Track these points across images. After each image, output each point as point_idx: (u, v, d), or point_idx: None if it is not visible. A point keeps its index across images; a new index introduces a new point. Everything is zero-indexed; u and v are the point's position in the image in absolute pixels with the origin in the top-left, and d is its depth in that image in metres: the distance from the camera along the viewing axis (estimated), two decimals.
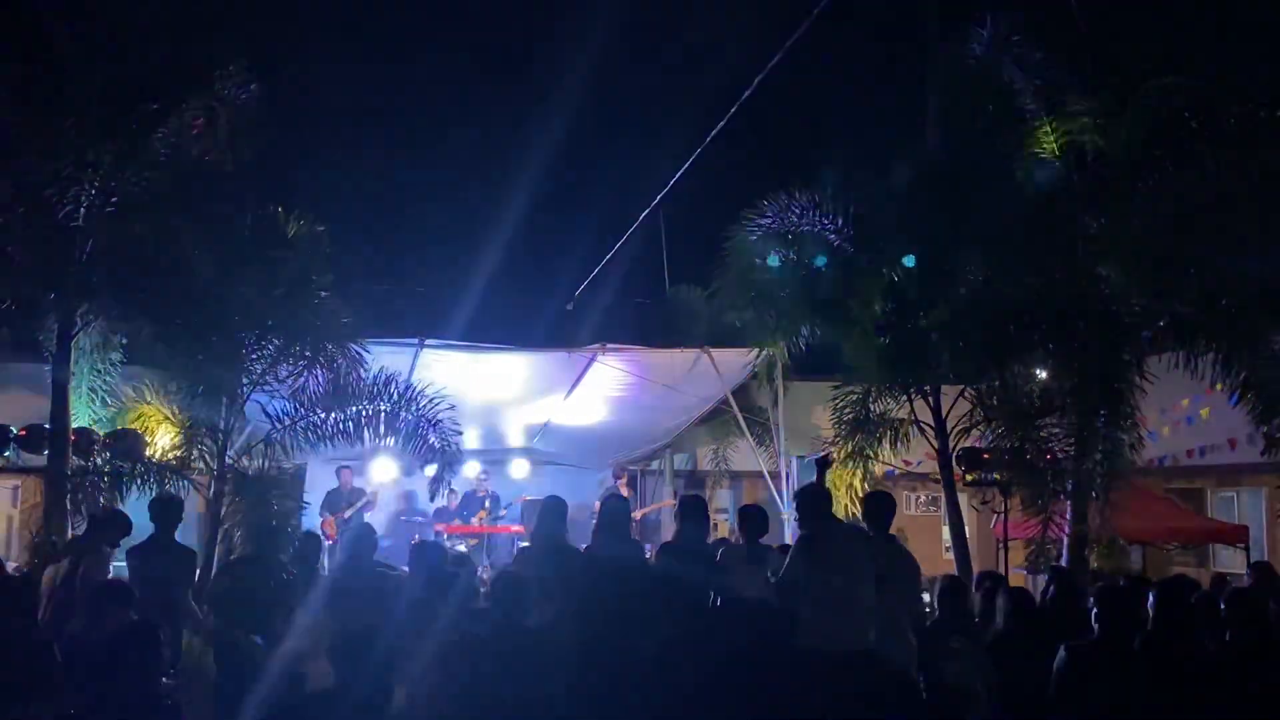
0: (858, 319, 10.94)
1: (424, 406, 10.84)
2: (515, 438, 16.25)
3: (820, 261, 11.00)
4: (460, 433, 11.27)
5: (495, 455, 16.26)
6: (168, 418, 10.72)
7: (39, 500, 10.50)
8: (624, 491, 15.19)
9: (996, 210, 10.08)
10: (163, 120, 10.00)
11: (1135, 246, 9.70)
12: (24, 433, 10.21)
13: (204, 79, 10.14)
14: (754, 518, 7.82)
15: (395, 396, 10.78)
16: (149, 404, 10.94)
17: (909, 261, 10.47)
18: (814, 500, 7.23)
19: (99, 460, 10.20)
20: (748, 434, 14.65)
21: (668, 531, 15.39)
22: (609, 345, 13.27)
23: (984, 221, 10.13)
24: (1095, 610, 6.06)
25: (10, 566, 10.81)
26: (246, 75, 10.25)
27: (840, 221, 11.05)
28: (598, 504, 15.22)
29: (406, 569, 10.43)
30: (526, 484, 16.10)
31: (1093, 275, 10.06)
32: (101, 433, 10.49)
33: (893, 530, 7.40)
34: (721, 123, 12.25)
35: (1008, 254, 10.15)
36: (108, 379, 10.90)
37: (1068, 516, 10.43)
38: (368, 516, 14.37)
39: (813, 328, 11.56)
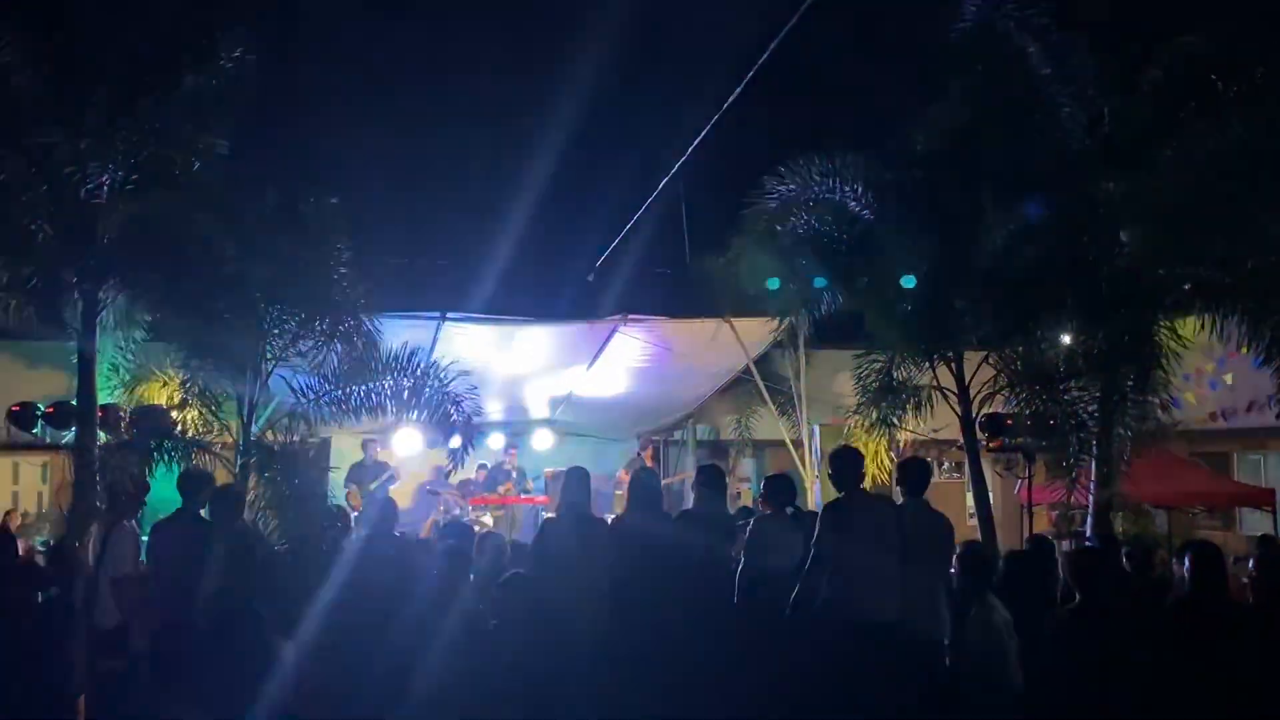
0: (880, 286, 10.87)
1: (446, 380, 10.87)
2: (538, 409, 16.30)
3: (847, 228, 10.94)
4: (481, 407, 11.30)
5: (519, 427, 16.33)
6: (191, 393, 10.74)
7: (67, 476, 10.60)
8: (649, 463, 15.25)
9: (1018, 174, 9.98)
10: (176, 94, 10.02)
11: (1158, 209, 9.60)
12: (51, 410, 10.29)
13: (212, 50, 10.14)
14: (780, 486, 7.82)
15: (417, 370, 10.82)
16: (172, 379, 10.99)
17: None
18: (852, 463, 7.19)
19: (126, 436, 10.29)
20: (770, 403, 14.63)
21: (690, 502, 15.44)
22: (631, 316, 13.25)
23: (1006, 185, 10.04)
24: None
25: (39, 541, 10.98)
26: (248, 45, 10.25)
27: (860, 188, 10.98)
28: (622, 473, 15.31)
29: (429, 539, 10.57)
30: (550, 455, 16.17)
31: (1116, 238, 9.96)
32: (127, 409, 10.57)
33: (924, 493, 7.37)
34: (738, 89, 12.11)
35: (1031, 218, 10.05)
36: (130, 355, 10.97)
37: (1092, 481, 10.39)
38: (392, 489, 14.49)
39: (834, 295, 11.49)
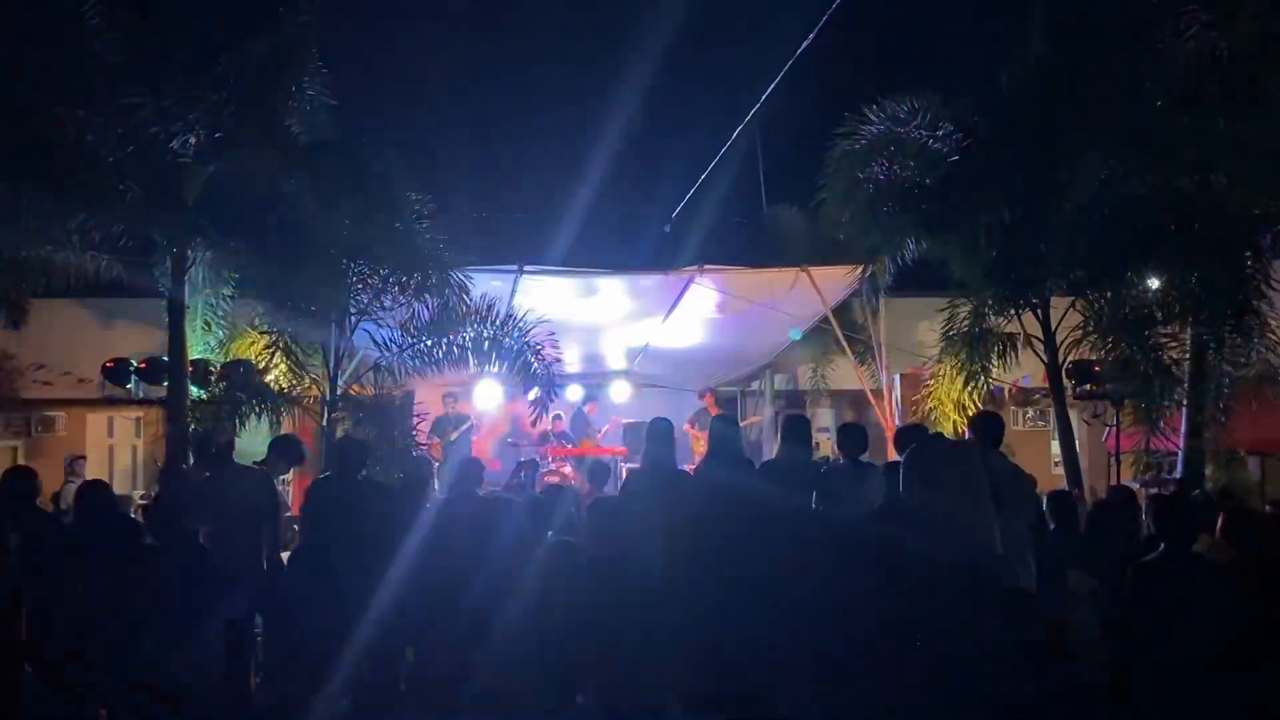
0: (966, 231, 10.67)
1: (525, 332, 10.96)
2: (616, 360, 16.34)
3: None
4: (560, 358, 11.37)
5: (596, 378, 16.40)
6: (277, 347, 10.92)
7: (160, 431, 10.90)
8: (712, 410, 15.23)
9: (1112, 112, 9.68)
10: (249, 52, 10.11)
11: (1257, 147, 9.27)
12: (144, 365, 10.56)
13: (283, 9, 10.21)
14: (853, 436, 7.75)
15: (497, 322, 10.92)
16: (260, 334, 11.20)
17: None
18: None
19: (216, 390, 10.53)
20: (849, 352, 14.50)
21: (769, 451, 15.42)
22: (707, 266, 13.17)
23: (1099, 124, 9.75)
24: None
25: (138, 495, 11.30)
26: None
27: (946, 129, 10.75)
28: (687, 426, 15.32)
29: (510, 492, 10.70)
30: (627, 406, 16.23)
31: (1211, 178, 9.65)
32: (217, 363, 10.81)
33: (1000, 447, 7.27)
34: (813, 33, 11.89)
35: (1124, 158, 9.77)
36: (220, 311, 11.19)
37: (1182, 428, 10.19)
38: (474, 439, 14.67)
39: (918, 242, 11.30)
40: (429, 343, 10.67)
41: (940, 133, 10.80)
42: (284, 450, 7.98)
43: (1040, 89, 10.14)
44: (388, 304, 10.56)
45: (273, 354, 10.64)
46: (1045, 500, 7.49)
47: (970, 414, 10.31)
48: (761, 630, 6.28)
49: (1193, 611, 5.51)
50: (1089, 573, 6.43)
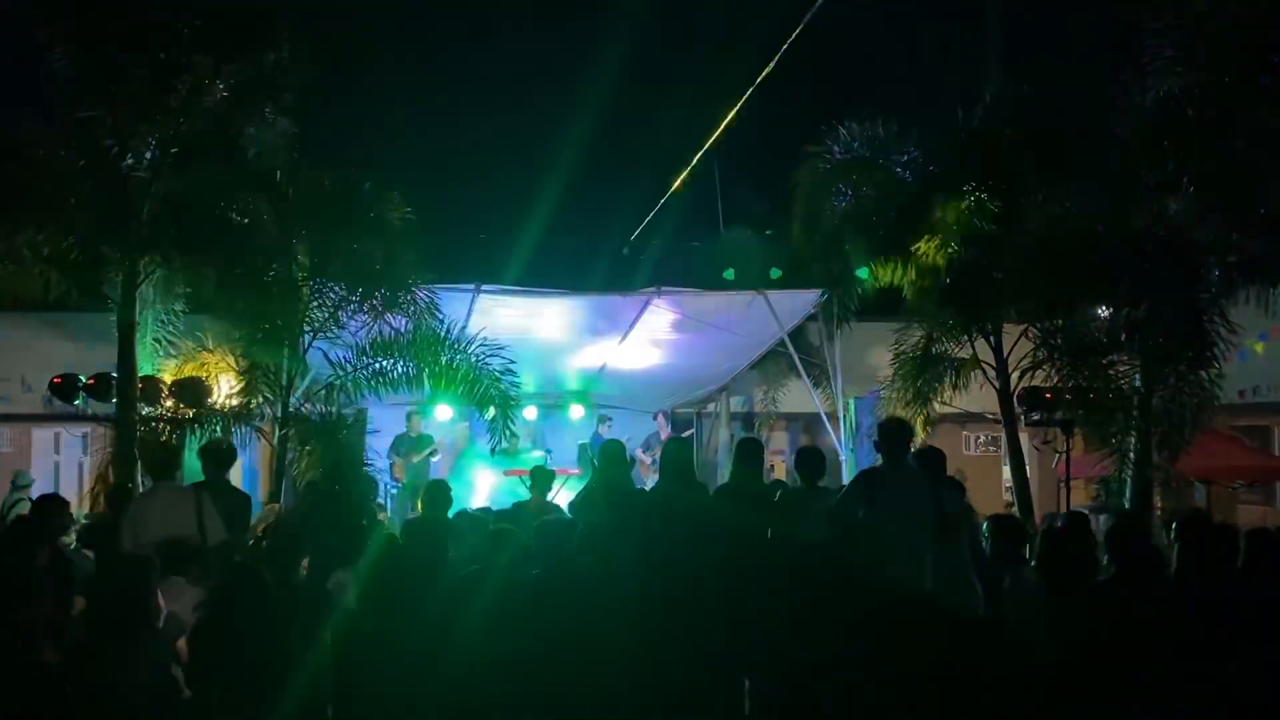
0: (922, 258, 10.78)
1: (482, 352, 10.90)
2: (572, 381, 16.29)
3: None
4: (518, 382, 11.33)
5: (551, 399, 16.34)
6: (230, 366, 10.81)
7: (108, 447, 10.73)
8: (665, 432, 15.24)
9: (1070, 146, 9.85)
10: (217, 71, 10.04)
11: (1206, 183, 9.45)
12: (92, 381, 10.39)
13: (254, 29, 10.15)
14: (811, 460, 7.77)
15: (454, 342, 10.86)
16: (212, 352, 11.07)
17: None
18: (897, 433, 7.10)
19: (165, 407, 10.38)
20: (805, 376, 14.56)
21: (723, 472, 15.44)
22: (664, 288, 13.19)
23: (1058, 156, 9.90)
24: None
25: (82, 514, 11.09)
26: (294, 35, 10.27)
27: (909, 154, 10.87)
28: (639, 451, 15.30)
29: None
30: (583, 427, 16.19)
31: (1163, 212, 9.82)
32: (167, 380, 10.65)
33: (951, 472, 7.30)
34: (774, 61, 12.04)
35: (1079, 190, 9.92)
36: (171, 328, 11.05)
37: (1131, 455, 10.31)
38: (434, 461, 14.50)
39: (875, 268, 11.38)
40: (384, 363, 10.60)
41: (900, 158, 10.93)
42: (215, 459, 7.74)
43: (1000, 121, 10.31)
44: (344, 322, 10.49)
45: (224, 371, 10.52)
46: (987, 524, 7.50)
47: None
48: (712, 652, 6.28)
49: (1146, 631, 5.54)
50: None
